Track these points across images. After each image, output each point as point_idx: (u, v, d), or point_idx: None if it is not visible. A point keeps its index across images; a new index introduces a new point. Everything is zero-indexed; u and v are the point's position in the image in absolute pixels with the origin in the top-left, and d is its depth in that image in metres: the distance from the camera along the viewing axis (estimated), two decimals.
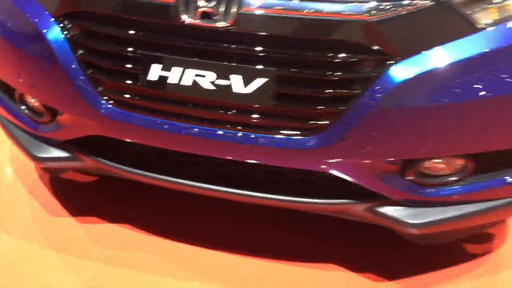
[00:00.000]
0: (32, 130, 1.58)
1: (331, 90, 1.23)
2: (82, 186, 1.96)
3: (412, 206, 1.39)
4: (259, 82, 1.23)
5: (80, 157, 1.54)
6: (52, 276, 1.58)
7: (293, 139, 1.28)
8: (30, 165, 1.96)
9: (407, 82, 1.20)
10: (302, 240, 1.75)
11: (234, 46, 1.23)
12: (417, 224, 1.38)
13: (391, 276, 1.63)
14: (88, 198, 1.90)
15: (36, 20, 1.37)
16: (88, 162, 1.54)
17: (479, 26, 1.23)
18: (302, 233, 1.78)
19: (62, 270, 1.61)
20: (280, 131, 1.28)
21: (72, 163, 1.58)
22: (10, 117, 1.65)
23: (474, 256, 1.73)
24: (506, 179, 1.40)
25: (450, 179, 1.37)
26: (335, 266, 1.65)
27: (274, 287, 1.58)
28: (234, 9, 1.20)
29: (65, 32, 1.36)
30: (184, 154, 1.40)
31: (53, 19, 1.37)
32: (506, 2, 1.26)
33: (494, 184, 1.39)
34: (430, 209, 1.39)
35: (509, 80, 1.24)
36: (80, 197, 1.90)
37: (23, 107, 1.59)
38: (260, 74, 1.23)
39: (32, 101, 1.56)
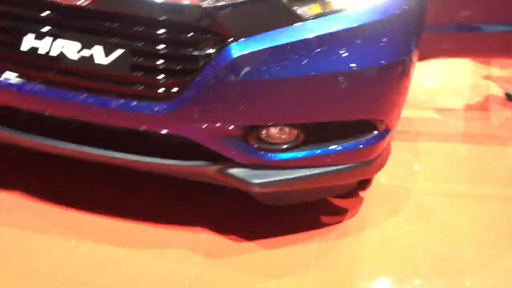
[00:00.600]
0: None
1: (177, 64, 1.47)
2: None
3: (256, 169, 1.64)
4: (117, 53, 1.46)
5: None
6: None
7: (147, 104, 1.50)
8: None
9: (239, 59, 1.45)
10: (170, 206, 1.97)
11: (94, 21, 1.45)
12: (259, 183, 1.63)
13: (252, 237, 1.87)
14: None
15: None
16: None
17: (303, 18, 1.51)
18: (169, 201, 2.01)
19: None
20: (137, 98, 1.51)
21: None
22: None
23: (326, 224, 2.00)
24: (334, 149, 1.67)
25: (285, 146, 1.63)
26: (200, 229, 1.88)
27: (141, 248, 1.78)
28: None
29: None
30: (61, 118, 1.60)
31: None
32: (325, 1, 1.55)
33: (323, 152, 1.67)
34: (271, 171, 1.64)
35: (327, 61, 1.51)
36: None
37: None
38: (117, 46, 1.46)
39: None
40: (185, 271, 1.69)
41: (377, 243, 1.96)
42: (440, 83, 3.69)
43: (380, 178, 2.34)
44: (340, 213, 2.08)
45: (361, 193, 2.21)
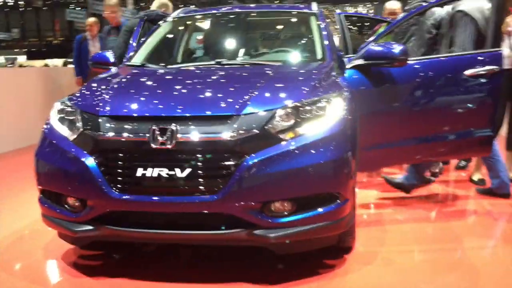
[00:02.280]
0: (72, 218, 2.96)
1: (220, 172, 2.74)
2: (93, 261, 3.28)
3: (270, 229, 2.80)
4: (187, 171, 2.73)
5: (98, 227, 2.91)
6: None
7: (205, 197, 2.73)
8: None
9: (252, 165, 2.71)
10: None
11: (175, 155, 2.75)
12: (273, 236, 2.77)
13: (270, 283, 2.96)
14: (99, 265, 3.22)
15: (80, 156, 2.86)
16: (103, 230, 2.90)
17: (284, 140, 2.81)
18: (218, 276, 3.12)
19: None
20: (199, 193, 2.74)
21: (94, 233, 2.93)
22: (55, 215, 3.03)
23: (322, 273, 3.08)
24: (314, 212, 2.85)
25: (285, 213, 2.82)
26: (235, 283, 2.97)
27: None
28: (174, 140, 2.74)
29: (94, 159, 2.84)
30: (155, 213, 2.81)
31: (89, 155, 2.87)
32: (296, 129, 2.86)
33: (308, 215, 2.84)
34: (279, 230, 2.81)
35: (299, 160, 2.76)
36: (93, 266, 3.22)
37: (66, 206, 2.99)
38: (187, 167, 2.73)
39: (71, 202, 2.97)
40: None
41: (353, 278, 3.03)
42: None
43: (359, 248, 3.46)
44: (330, 267, 3.17)
45: (345, 255, 3.32)
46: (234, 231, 2.80)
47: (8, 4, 38.13)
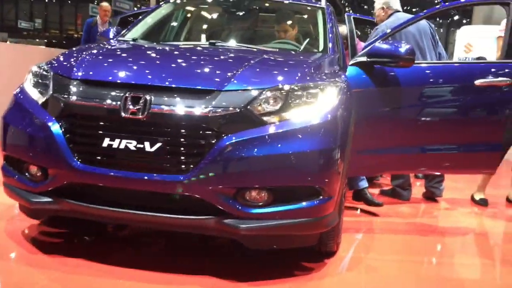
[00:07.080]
0: (31, 187, 2.72)
1: (192, 150, 2.49)
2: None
3: (241, 219, 2.54)
4: (158, 145, 2.49)
5: (57, 200, 2.66)
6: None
7: (175, 176, 2.48)
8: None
9: (228, 146, 2.46)
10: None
11: (146, 127, 2.51)
12: (244, 227, 2.51)
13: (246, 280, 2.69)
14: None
15: (46, 120, 2.63)
16: (62, 204, 2.66)
17: (267, 123, 2.56)
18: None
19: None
20: (169, 171, 2.50)
21: (52, 206, 2.68)
22: (15, 183, 2.80)
23: (299, 275, 2.81)
24: (292, 207, 2.58)
25: (260, 204, 2.56)
26: (207, 276, 2.71)
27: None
28: (147, 111, 2.51)
29: (60, 125, 2.61)
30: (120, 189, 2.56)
31: (55, 120, 2.63)
32: (282, 114, 2.61)
33: (286, 209, 2.57)
34: (251, 221, 2.54)
35: (281, 146, 2.51)
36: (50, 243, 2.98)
37: (27, 174, 2.76)
38: (157, 141, 2.48)
39: (32, 170, 2.74)
40: None
41: (330, 282, 2.76)
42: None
43: (342, 253, 3.19)
44: (308, 269, 2.90)
45: (326, 260, 3.05)
46: (202, 218, 2.55)
47: None
